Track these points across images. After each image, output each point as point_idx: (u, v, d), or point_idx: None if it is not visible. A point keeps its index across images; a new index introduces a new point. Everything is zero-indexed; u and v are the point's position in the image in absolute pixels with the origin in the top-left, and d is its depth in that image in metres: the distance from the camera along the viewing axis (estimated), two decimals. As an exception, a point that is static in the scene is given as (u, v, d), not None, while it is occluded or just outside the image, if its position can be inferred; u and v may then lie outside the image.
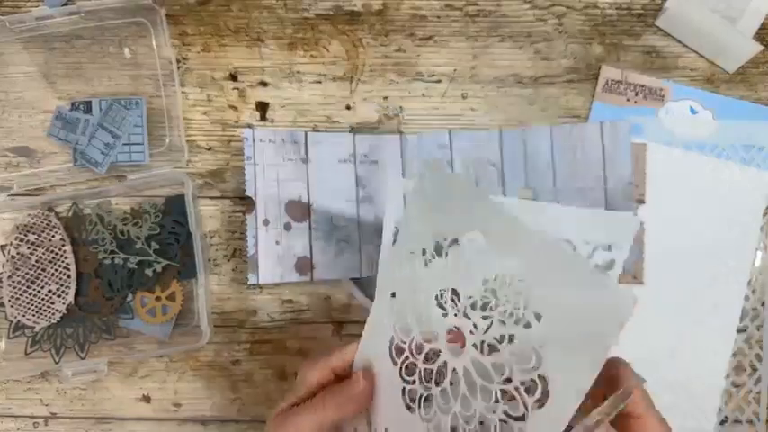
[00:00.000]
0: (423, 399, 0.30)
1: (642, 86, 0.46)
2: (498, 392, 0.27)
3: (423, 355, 0.30)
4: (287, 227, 0.45)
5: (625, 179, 0.45)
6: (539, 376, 0.25)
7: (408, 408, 0.30)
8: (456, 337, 0.29)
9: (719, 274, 0.46)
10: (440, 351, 0.29)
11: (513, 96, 0.47)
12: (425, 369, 0.30)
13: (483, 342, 0.27)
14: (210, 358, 0.47)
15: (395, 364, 0.31)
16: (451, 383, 0.29)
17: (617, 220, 0.42)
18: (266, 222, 0.45)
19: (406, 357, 0.31)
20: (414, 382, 0.30)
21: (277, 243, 0.45)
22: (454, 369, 0.29)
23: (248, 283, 0.45)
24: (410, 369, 0.31)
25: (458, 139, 0.46)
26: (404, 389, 0.31)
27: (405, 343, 0.31)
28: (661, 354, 0.46)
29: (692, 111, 0.46)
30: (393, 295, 0.32)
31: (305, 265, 0.45)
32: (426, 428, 0.29)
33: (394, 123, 0.47)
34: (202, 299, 0.45)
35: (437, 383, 0.29)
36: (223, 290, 0.47)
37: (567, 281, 0.25)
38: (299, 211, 0.46)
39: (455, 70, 0.47)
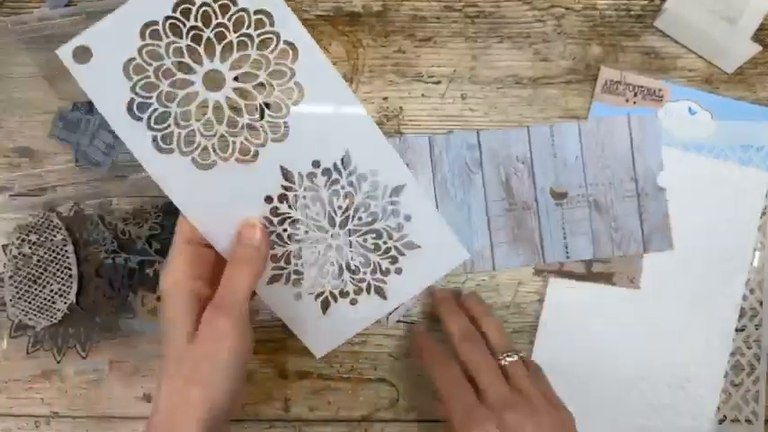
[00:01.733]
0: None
1: (641, 87, 0.46)
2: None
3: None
4: (287, 227, 0.46)
5: (655, 169, 0.46)
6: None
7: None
8: None
9: (718, 274, 0.46)
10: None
11: (512, 97, 0.47)
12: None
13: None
14: (211, 358, 0.48)
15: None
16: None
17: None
18: (267, 222, 0.45)
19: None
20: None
21: (277, 243, 0.45)
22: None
23: (249, 282, 0.45)
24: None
25: (486, 138, 0.46)
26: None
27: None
28: (659, 353, 0.46)
29: (691, 111, 0.47)
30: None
31: (305, 265, 0.45)
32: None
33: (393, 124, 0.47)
34: (203, 298, 0.45)
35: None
36: (224, 289, 0.47)
37: None
38: (300, 211, 0.46)
39: (454, 71, 0.47)
